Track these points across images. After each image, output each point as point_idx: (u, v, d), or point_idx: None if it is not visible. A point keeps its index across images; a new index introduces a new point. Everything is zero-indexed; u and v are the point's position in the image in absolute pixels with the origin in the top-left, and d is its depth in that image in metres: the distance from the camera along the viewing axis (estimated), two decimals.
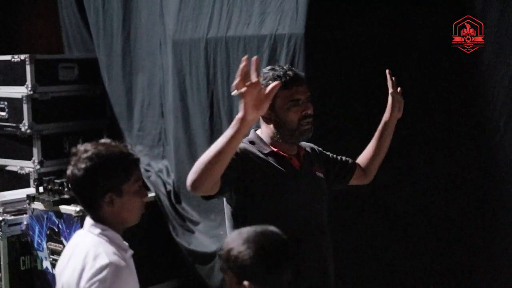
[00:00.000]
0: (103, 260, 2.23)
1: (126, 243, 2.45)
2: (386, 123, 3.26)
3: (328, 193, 3.06)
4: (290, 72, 2.84)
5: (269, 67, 2.91)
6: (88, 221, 2.38)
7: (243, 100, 2.43)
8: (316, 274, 2.89)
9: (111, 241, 2.32)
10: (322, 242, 2.94)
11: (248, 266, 2.03)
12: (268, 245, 2.07)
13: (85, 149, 2.32)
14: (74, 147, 2.38)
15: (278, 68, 2.87)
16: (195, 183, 2.52)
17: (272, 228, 2.15)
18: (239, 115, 2.44)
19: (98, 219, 2.35)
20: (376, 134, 3.27)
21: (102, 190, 2.30)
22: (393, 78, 3.19)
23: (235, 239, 2.09)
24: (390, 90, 3.19)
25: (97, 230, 2.34)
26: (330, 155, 3.19)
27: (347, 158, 3.23)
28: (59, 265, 2.45)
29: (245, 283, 2.04)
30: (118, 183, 2.30)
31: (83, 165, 2.29)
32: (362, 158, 3.29)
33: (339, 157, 3.21)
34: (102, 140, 2.37)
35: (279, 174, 2.84)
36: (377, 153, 3.27)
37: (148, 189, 5.04)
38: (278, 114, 2.84)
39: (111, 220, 2.34)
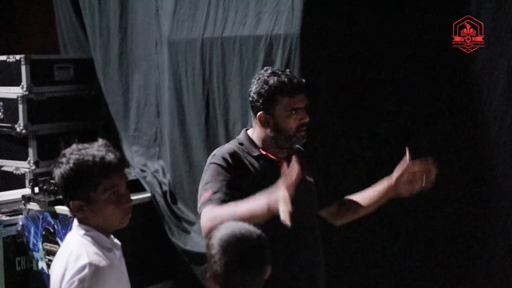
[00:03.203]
0: (83, 260, 2.29)
1: (118, 242, 2.50)
2: (386, 192, 3.00)
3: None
4: (294, 80, 2.81)
5: (269, 71, 2.87)
6: (75, 222, 2.43)
7: (282, 199, 2.46)
8: (303, 281, 2.87)
9: (94, 242, 2.36)
10: (311, 247, 2.92)
11: (218, 273, 2.12)
12: (238, 256, 2.12)
13: (64, 153, 2.36)
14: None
15: (281, 74, 2.83)
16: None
17: (249, 230, 2.19)
18: (268, 202, 2.50)
19: (80, 221, 2.40)
20: (372, 195, 3.05)
21: (69, 196, 2.35)
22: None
23: (214, 239, 2.15)
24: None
25: (82, 231, 2.38)
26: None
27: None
28: (52, 265, 2.51)
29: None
30: (84, 192, 2.32)
31: (57, 170, 2.35)
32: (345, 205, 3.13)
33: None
34: (86, 144, 2.37)
35: (266, 178, 2.81)
36: (357, 213, 3.12)
37: (143, 190, 5.05)
38: (277, 120, 2.82)
39: (90, 223, 2.37)
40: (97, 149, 2.34)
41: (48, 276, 4.58)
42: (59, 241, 4.54)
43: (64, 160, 2.33)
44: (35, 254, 4.72)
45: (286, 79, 2.80)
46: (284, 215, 2.41)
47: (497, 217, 3.75)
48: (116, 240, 2.50)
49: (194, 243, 4.78)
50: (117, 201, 2.34)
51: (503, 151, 3.71)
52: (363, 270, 4.07)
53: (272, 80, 2.80)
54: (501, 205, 3.73)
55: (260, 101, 2.82)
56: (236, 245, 2.12)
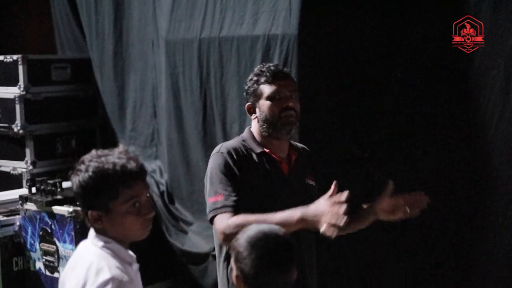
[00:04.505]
0: (106, 275, 2.16)
1: (133, 255, 2.37)
2: (367, 217, 3.05)
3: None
4: (273, 68, 2.89)
5: (260, 65, 2.96)
6: (92, 232, 2.30)
7: (324, 215, 2.56)
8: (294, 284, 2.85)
9: (114, 254, 2.24)
10: (304, 250, 2.90)
11: (247, 271, 2.08)
12: (267, 251, 2.09)
13: (83, 160, 2.23)
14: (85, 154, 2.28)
15: (265, 65, 2.93)
16: (231, 238, 2.62)
17: (276, 229, 2.18)
18: (306, 214, 2.61)
19: (98, 232, 2.27)
20: (355, 219, 3.05)
21: (87, 206, 2.22)
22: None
23: (242, 237, 2.13)
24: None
25: (100, 243, 2.25)
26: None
27: None
28: (62, 274, 2.37)
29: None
30: (103, 202, 2.19)
31: (74, 178, 2.22)
32: None
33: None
34: (106, 151, 2.24)
35: (265, 178, 2.84)
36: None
37: None
38: (261, 109, 2.87)
39: (109, 233, 2.25)
40: (117, 156, 2.20)
41: (46, 276, 4.58)
42: (56, 242, 4.53)
43: (83, 167, 2.19)
44: (33, 255, 4.71)
45: (265, 68, 2.89)
46: (327, 229, 2.53)
47: (495, 217, 3.75)
48: (131, 252, 2.37)
49: (192, 243, 4.78)
50: (138, 212, 2.22)
51: (501, 150, 3.71)
52: (362, 270, 4.07)
53: (256, 71, 2.92)
54: (498, 204, 3.73)
55: (248, 92, 2.93)
56: (264, 240, 2.09)
